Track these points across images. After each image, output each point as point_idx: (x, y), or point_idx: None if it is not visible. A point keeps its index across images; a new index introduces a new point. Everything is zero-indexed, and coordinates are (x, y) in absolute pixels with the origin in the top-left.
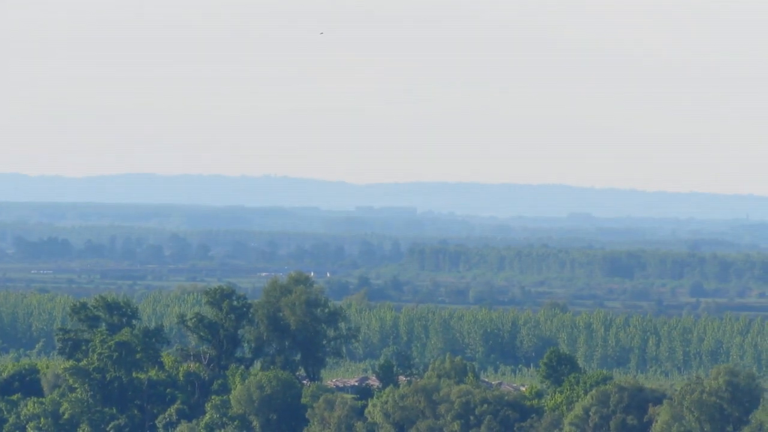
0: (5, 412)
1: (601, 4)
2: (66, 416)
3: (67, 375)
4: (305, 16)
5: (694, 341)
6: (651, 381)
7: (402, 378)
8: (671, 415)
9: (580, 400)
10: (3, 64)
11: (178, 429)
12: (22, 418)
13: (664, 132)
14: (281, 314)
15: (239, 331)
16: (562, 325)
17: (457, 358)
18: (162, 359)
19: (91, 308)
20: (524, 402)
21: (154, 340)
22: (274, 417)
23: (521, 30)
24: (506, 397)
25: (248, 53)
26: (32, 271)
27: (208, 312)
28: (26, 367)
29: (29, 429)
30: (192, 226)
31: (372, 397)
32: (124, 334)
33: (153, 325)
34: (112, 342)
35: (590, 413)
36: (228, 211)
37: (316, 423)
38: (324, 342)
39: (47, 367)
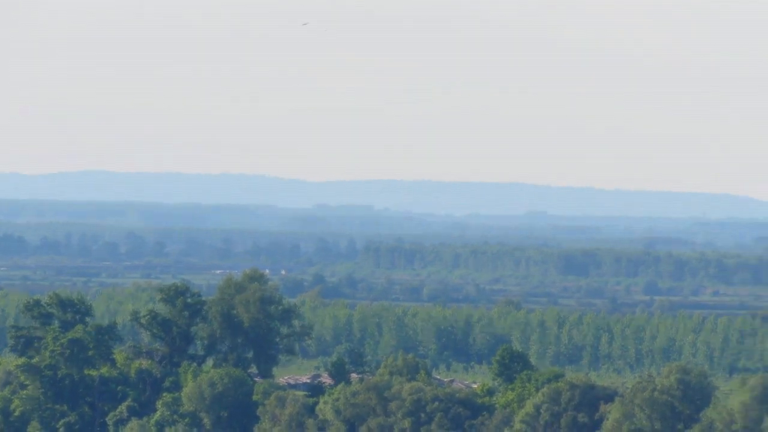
0: None
1: (601, 4)
2: (17, 413)
3: (18, 372)
4: (305, 16)
5: (647, 339)
6: (603, 379)
7: (354, 375)
8: (622, 413)
9: (531, 397)
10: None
11: (128, 426)
12: None
13: (664, 131)
14: (235, 312)
15: (192, 329)
16: (516, 323)
17: (410, 356)
18: (114, 356)
19: (45, 305)
20: (475, 399)
21: (107, 337)
22: (225, 414)
23: (520, 30)
24: (457, 395)
25: (249, 53)
26: None
27: (162, 309)
28: None
29: None
30: (148, 223)
31: (323, 394)
32: (77, 332)
33: (106, 322)
34: (65, 339)
35: (541, 411)
36: (184, 208)
37: (267, 420)
38: (277, 339)
39: None
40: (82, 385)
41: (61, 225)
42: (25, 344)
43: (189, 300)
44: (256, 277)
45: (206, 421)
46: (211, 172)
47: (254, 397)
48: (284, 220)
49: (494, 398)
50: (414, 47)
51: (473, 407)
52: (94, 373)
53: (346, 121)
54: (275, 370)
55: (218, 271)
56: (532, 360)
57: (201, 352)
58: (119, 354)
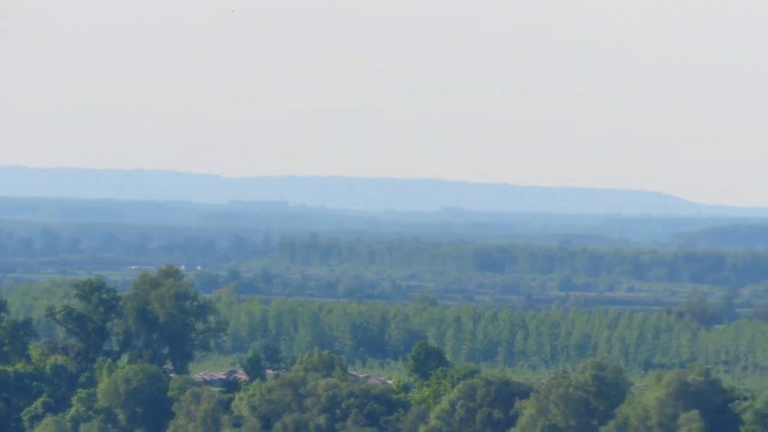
0: None
1: (601, 4)
2: None
3: None
4: (305, 16)
5: (562, 335)
6: (518, 375)
7: (269, 372)
8: (537, 409)
9: (446, 393)
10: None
11: (43, 422)
12: None
13: (664, 131)
14: (150, 307)
15: (108, 324)
16: (431, 319)
17: (325, 352)
18: (29, 352)
19: None
20: (391, 395)
21: (22, 332)
22: (140, 410)
23: (520, 30)
24: (373, 391)
25: (249, 53)
26: None
27: (77, 305)
28: None
29: None
30: (63, 219)
31: (239, 390)
32: None
33: (21, 318)
34: None
35: (456, 407)
36: (99, 204)
37: (182, 416)
38: (192, 335)
39: None
40: None
41: None
42: None
43: (104, 296)
44: (172, 273)
45: (121, 417)
46: (125, 167)
47: (169, 393)
48: (200, 216)
49: (410, 394)
50: (414, 47)
51: (389, 403)
52: (9, 368)
53: (346, 121)
54: (191, 366)
55: (133, 267)
56: (448, 356)
57: (116, 348)
58: (34, 350)
